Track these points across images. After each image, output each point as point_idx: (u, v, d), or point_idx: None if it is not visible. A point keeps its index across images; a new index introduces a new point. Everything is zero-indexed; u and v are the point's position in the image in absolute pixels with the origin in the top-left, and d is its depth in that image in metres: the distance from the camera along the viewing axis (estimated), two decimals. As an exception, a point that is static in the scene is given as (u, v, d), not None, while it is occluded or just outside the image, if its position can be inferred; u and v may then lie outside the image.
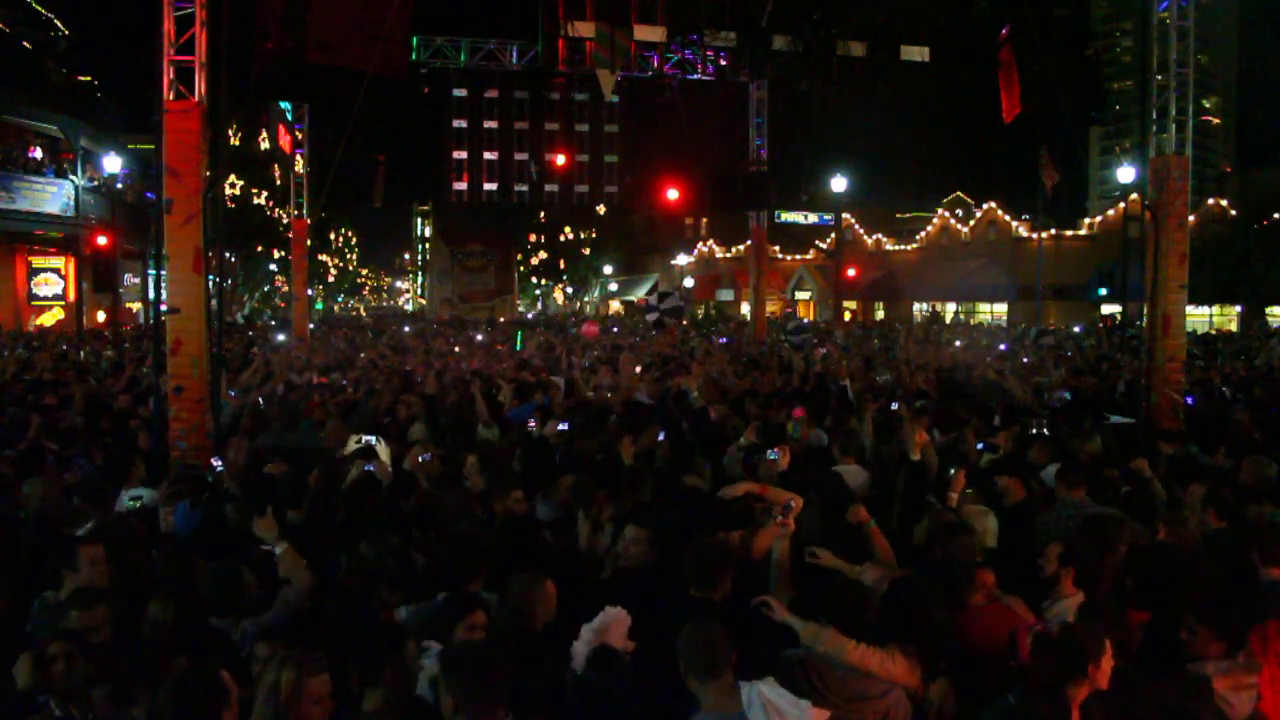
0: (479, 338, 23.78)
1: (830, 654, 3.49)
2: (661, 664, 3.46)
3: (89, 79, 42.69)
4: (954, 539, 4.70)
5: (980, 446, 7.11)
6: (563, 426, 7.79)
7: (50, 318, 33.23)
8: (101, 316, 34.17)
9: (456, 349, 18.79)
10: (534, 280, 74.32)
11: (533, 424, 8.09)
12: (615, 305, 68.73)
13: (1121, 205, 32.72)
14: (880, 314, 51.42)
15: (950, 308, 49.32)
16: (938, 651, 3.66)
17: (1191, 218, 12.90)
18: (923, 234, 52.47)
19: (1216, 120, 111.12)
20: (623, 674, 3.38)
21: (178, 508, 5.80)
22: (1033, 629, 3.65)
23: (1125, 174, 32.62)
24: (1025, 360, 15.72)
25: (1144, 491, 6.23)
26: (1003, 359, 15.46)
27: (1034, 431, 7.80)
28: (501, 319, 33.38)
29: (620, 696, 3.32)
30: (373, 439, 7.07)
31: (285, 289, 49.69)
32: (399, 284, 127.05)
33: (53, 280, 33.95)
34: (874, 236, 53.31)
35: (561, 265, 71.06)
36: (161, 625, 3.94)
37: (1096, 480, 6.10)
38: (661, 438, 7.41)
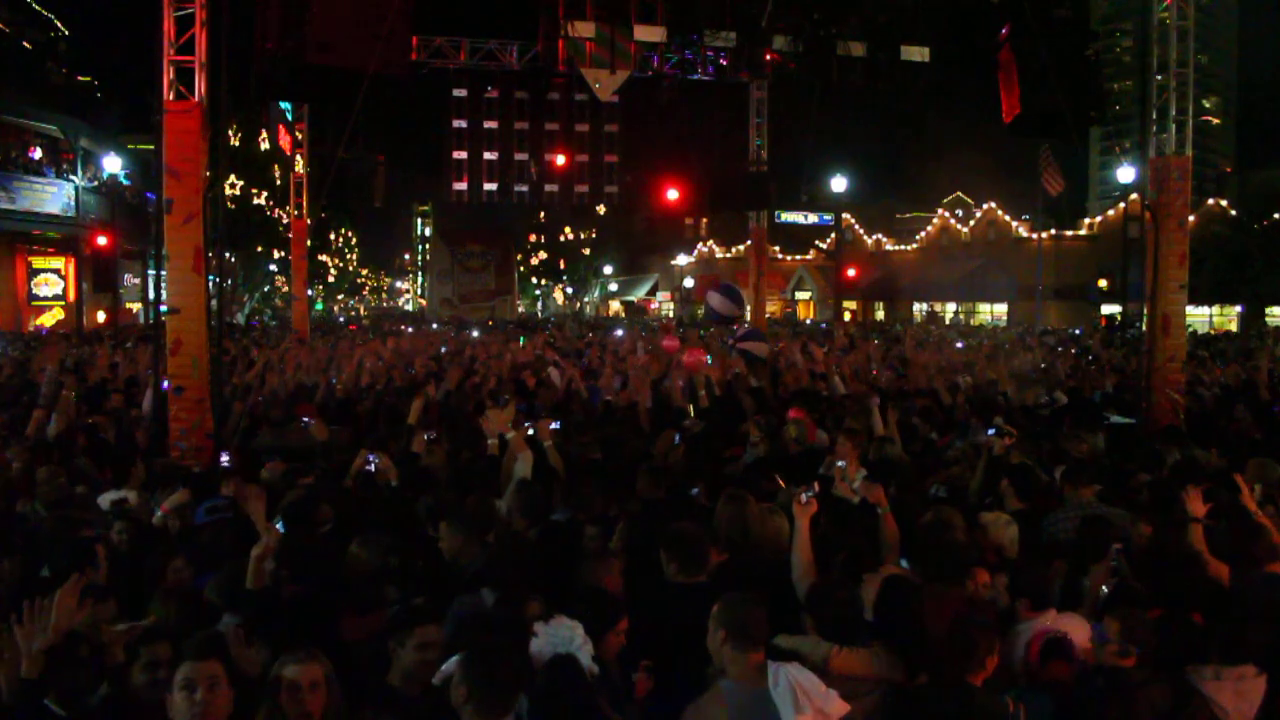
0: (475, 334, 23.80)
1: (814, 664, 3.50)
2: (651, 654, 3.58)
3: (89, 79, 42.73)
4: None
5: (991, 432, 7.08)
6: (554, 425, 7.74)
7: (50, 318, 33.20)
8: (101, 316, 34.16)
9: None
10: (534, 280, 74.35)
11: (530, 430, 8.03)
12: (615, 305, 68.77)
13: (1121, 205, 32.77)
14: (880, 314, 51.44)
15: (950, 308, 49.33)
16: (928, 647, 3.67)
17: (1191, 218, 12.90)
18: (923, 234, 52.51)
19: (1216, 120, 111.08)
20: (580, 689, 3.33)
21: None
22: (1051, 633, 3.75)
23: (1125, 174, 32.65)
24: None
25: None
26: (1004, 358, 15.42)
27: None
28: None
29: (577, 709, 3.30)
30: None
31: (285, 289, 49.68)
32: (399, 284, 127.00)
33: (53, 280, 33.94)
34: (874, 236, 53.35)
35: (561, 265, 71.07)
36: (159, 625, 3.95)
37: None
38: (677, 440, 7.40)
